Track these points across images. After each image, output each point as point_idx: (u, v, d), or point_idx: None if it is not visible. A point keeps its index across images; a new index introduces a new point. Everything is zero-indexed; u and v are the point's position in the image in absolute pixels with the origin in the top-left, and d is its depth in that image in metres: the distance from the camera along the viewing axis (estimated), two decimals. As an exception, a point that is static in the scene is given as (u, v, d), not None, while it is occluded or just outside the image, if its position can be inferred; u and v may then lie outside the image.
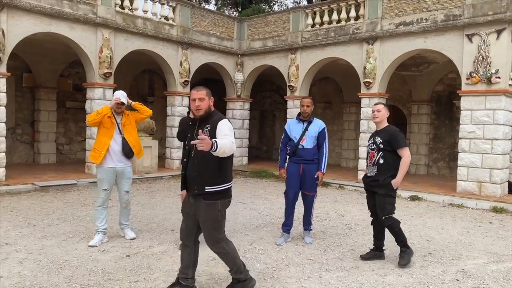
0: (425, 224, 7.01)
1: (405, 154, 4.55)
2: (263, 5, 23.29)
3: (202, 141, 2.89)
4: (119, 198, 5.50)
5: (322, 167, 5.40)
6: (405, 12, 10.71)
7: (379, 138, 4.65)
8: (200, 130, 3.24)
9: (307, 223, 5.70)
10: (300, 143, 5.36)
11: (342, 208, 8.36)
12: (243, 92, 14.77)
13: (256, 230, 6.23)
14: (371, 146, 4.75)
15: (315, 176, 5.41)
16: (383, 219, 4.61)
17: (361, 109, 11.56)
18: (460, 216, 7.89)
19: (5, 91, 9.24)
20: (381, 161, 4.60)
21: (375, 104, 4.79)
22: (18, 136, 13.26)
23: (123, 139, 5.28)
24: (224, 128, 3.31)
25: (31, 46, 11.75)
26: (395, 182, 4.56)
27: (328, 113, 16.52)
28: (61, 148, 14.23)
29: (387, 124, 4.76)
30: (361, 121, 11.57)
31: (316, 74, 13.24)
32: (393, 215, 4.64)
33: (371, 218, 5.00)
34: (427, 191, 9.88)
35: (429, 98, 13.77)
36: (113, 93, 10.89)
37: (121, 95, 5.26)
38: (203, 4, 24.18)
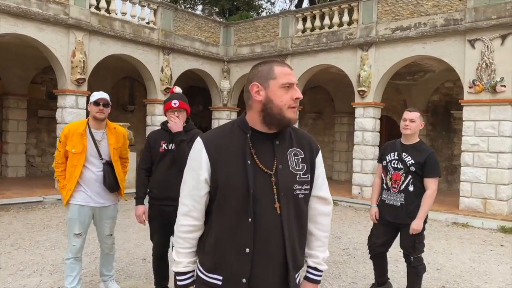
0: (431, 247, 6.24)
1: (433, 187, 3.56)
2: (251, 12, 22.65)
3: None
4: (99, 242, 3.88)
5: None
6: (402, 16, 10.06)
7: (409, 157, 3.58)
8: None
9: None
10: None
11: (338, 228, 7.57)
12: (229, 100, 13.95)
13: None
14: (394, 164, 3.66)
15: None
16: (412, 259, 3.69)
17: (355, 119, 10.82)
18: (467, 237, 7.16)
19: (-39, 97, 8.25)
20: (411, 188, 3.56)
21: (409, 111, 3.65)
22: (-16, 147, 12.20)
23: (106, 164, 3.55)
24: None
25: (-1, 50, 10.83)
26: (417, 224, 3.53)
27: (319, 124, 15.79)
28: (32, 161, 13.17)
29: (419, 139, 3.73)
30: (355, 132, 10.83)
31: (306, 82, 12.51)
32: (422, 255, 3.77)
33: (371, 250, 4.02)
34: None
35: (425, 108, 13.12)
36: (87, 101, 10.09)
37: (103, 94, 3.59)
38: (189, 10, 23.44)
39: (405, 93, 13.41)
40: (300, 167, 1.62)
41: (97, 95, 3.54)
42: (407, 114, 3.62)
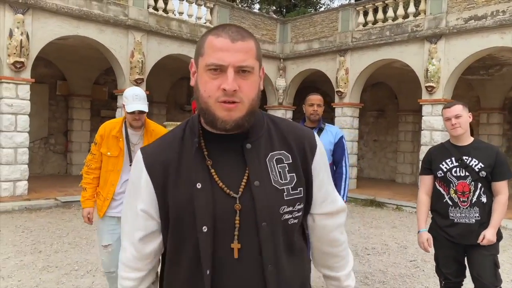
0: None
1: (505, 190, 2.82)
2: (309, 9, 22.12)
3: None
4: None
5: (342, 194, 3.59)
6: (476, 4, 9.14)
7: (475, 160, 2.81)
8: None
9: None
10: None
11: (403, 237, 6.95)
12: (285, 99, 13.59)
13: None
14: (456, 172, 2.85)
15: None
16: None
17: (422, 118, 10.03)
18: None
19: (28, 98, 8.63)
20: (484, 199, 2.79)
21: (448, 107, 2.88)
22: (51, 146, 12.80)
23: None
24: None
25: (65, 53, 11.28)
26: (491, 234, 2.77)
27: (381, 122, 14.97)
28: (95, 159, 13.67)
29: (473, 137, 2.94)
30: (422, 131, 10.04)
31: (367, 79, 11.84)
32: None
33: (447, 284, 3.05)
34: (506, 217, 8.14)
35: (501, 106, 11.94)
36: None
37: (139, 96, 2.98)
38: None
39: (478, 89, 12.29)
40: (288, 178, 1.09)
41: (131, 101, 2.95)
42: (448, 112, 2.83)
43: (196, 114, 1.13)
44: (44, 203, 8.18)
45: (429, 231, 2.99)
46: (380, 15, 11.11)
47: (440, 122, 9.70)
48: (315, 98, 3.66)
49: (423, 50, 9.93)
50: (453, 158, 2.85)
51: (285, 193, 1.07)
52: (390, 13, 10.91)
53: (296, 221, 1.10)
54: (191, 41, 11.16)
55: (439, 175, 2.90)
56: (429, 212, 3.04)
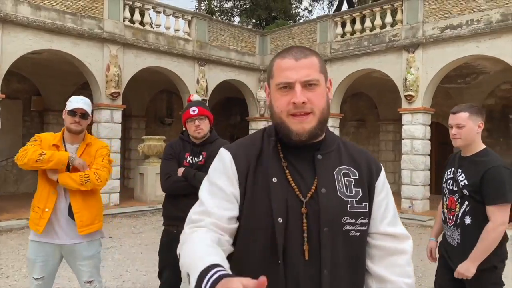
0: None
1: (499, 218, 2.29)
2: (288, 21, 22.24)
3: None
4: None
5: None
6: (451, 14, 9.24)
7: (463, 175, 2.44)
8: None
9: None
10: None
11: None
12: (266, 110, 13.50)
13: None
14: (449, 184, 2.55)
15: None
16: None
17: (403, 127, 10.03)
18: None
19: (-1, 114, 8.29)
20: (468, 220, 2.39)
21: (454, 113, 2.48)
22: (26, 163, 12.36)
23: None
24: None
25: (40, 67, 10.99)
26: (465, 268, 2.34)
27: (362, 132, 14.99)
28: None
29: (484, 146, 2.49)
30: (402, 140, 10.03)
31: (347, 89, 11.84)
32: None
33: None
34: None
35: (479, 113, 12.06)
36: (122, 115, 9.84)
37: (84, 101, 2.81)
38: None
39: (456, 98, 12.41)
40: (354, 192, 1.18)
41: (74, 102, 2.75)
42: (452, 118, 2.48)
43: (272, 124, 1.24)
44: (15, 223, 7.80)
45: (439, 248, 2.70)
46: (358, 25, 11.15)
47: (421, 131, 9.72)
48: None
49: (401, 59, 9.98)
50: (452, 169, 2.55)
51: (349, 205, 1.16)
52: (368, 23, 10.97)
53: (358, 234, 1.16)
54: (168, 53, 11.00)
55: (443, 183, 2.64)
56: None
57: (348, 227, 1.14)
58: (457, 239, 2.43)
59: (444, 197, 2.58)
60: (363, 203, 1.17)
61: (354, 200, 1.16)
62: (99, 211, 2.90)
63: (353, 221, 1.15)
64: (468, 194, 2.39)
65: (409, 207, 9.62)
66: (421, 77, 9.62)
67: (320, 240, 1.12)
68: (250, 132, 13.74)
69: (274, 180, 1.13)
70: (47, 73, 11.56)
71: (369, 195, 1.20)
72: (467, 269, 2.33)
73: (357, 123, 15.10)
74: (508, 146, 11.62)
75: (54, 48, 9.01)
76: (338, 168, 1.20)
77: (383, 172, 1.27)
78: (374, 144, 14.62)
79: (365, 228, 1.18)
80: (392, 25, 10.46)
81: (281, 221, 1.10)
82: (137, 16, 10.57)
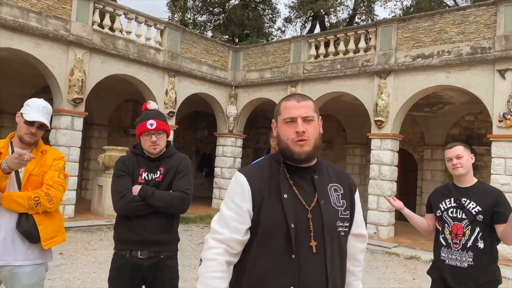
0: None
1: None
2: (261, 39, 22.30)
3: None
4: None
5: None
6: (423, 44, 9.42)
7: (472, 202, 2.75)
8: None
9: None
10: None
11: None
12: (235, 127, 13.25)
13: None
14: (452, 212, 2.83)
15: None
16: None
17: (371, 151, 10.03)
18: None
19: None
20: (481, 244, 2.69)
21: (450, 148, 2.88)
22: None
23: None
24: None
25: (-4, 66, 10.29)
26: None
27: (329, 155, 14.98)
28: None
29: (476, 179, 2.89)
30: (371, 165, 10.02)
31: (318, 110, 11.80)
32: None
33: None
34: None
35: (444, 142, 12.30)
36: (83, 123, 9.21)
37: (46, 109, 2.55)
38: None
39: (423, 125, 12.65)
40: (341, 203, 1.60)
41: (33, 111, 2.45)
42: (450, 152, 2.85)
43: (278, 151, 1.61)
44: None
45: (428, 272, 2.98)
46: (331, 48, 11.20)
47: (389, 157, 9.75)
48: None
49: (372, 84, 10.05)
50: (452, 199, 2.86)
51: (339, 213, 1.58)
52: (341, 47, 11.04)
53: (343, 233, 1.59)
54: (138, 61, 10.61)
55: (437, 214, 2.92)
56: (419, 216, 3.15)
57: (339, 229, 1.57)
58: (469, 261, 2.71)
59: (446, 225, 2.84)
60: (347, 211, 1.60)
61: (341, 209, 1.59)
62: (61, 222, 2.58)
63: (342, 224, 1.57)
64: (481, 219, 2.69)
65: (374, 233, 9.54)
66: (392, 104, 9.70)
67: (324, 239, 1.51)
68: (218, 148, 13.42)
69: (285, 196, 1.52)
70: (4, 73, 10.85)
71: (350, 205, 1.63)
72: None
73: (324, 145, 15.09)
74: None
75: (14, 47, 8.45)
76: (329, 184, 1.61)
77: (357, 188, 1.70)
78: (340, 167, 14.59)
79: (347, 229, 1.62)
80: (366, 50, 10.56)
81: (293, 226, 1.48)
82: (107, 21, 10.15)
